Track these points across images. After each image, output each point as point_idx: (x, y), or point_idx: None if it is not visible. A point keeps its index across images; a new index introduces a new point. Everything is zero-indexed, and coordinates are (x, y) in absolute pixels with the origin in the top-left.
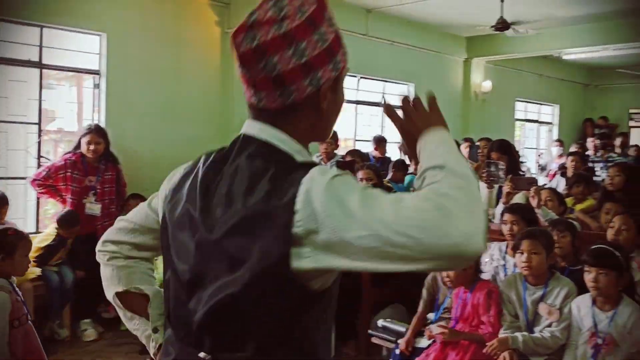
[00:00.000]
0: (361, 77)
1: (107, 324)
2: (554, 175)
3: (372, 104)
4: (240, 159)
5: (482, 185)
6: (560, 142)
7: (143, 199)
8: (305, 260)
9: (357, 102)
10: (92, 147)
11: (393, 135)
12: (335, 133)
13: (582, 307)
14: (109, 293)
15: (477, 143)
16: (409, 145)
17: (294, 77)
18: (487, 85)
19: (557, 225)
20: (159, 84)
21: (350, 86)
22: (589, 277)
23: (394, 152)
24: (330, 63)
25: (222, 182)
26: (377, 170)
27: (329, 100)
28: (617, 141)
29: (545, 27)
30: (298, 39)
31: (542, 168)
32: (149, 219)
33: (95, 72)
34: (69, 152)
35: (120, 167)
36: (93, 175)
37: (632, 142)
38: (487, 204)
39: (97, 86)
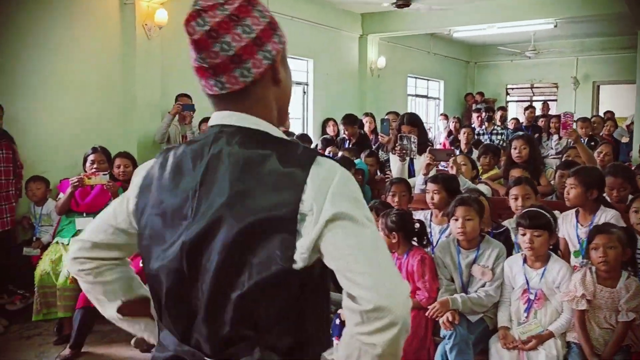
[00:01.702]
0: None
1: (13, 317)
2: (444, 146)
3: None
4: (228, 148)
5: (395, 158)
6: (444, 115)
7: (44, 181)
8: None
9: None
10: None
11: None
12: None
13: (514, 267)
14: (108, 309)
15: (386, 117)
16: None
17: (249, 52)
18: (382, 61)
19: (477, 192)
20: (52, 58)
21: None
22: (524, 238)
23: None
24: (274, 36)
25: (216, 183)
26: None
27: (282, 73)
28: (498, 115)
29: (437, 5)
30: (242, 17)
31: (431, 141)
32: (118, 234)
33: None
34: None
35: (16, 147)
36: None
37: (510, 115)
38: (401, 175)
39: None
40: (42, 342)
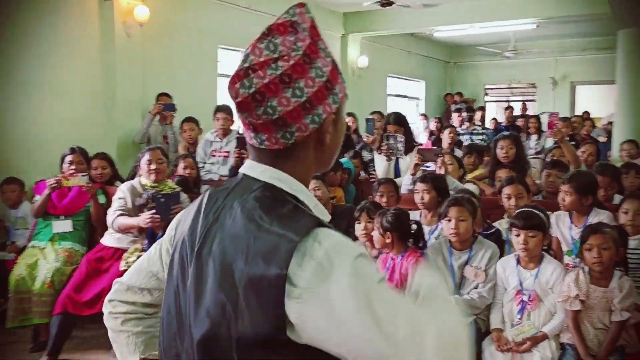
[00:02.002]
0: (240, 50)
1: None
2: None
3: None
4: (239, 201)
5: (381, 158)
6: (424, 115)
7: (19, 183)
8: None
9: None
10: None
11: None
12: (229, 108)
13: (507, 267)
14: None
15: (371, 117)
16: None
17: (295, 118)
18: (364, 61)
19: (467, 192)
20: (28, 56)
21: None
22: (518, 239)
23: None
24: (329, 97)
25: (218, 232)
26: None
27: (331, 133)
28: (477, 115)
29: (421, 4)
30: (295, 78)
31: (416, 141)
32: (150, 277)
33: None
34: None
35: None
36: None
37: (488, 116)
38: (387, 175)
39: None
40: (18, 350)
